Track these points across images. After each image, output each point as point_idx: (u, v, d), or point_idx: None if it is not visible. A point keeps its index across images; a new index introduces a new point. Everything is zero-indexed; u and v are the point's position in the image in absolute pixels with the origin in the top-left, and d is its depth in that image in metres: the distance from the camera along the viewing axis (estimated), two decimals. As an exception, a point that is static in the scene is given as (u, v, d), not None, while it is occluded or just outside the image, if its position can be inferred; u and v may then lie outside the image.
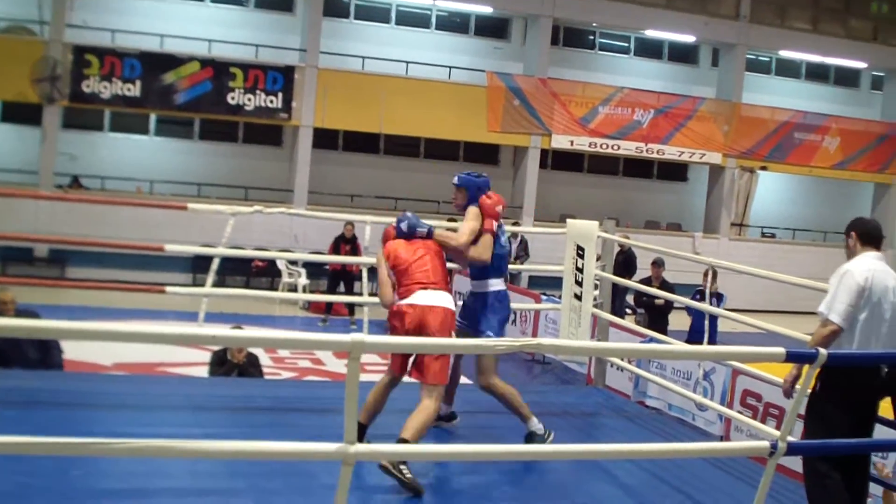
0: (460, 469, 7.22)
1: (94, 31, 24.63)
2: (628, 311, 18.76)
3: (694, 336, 14.81)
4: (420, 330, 6.88)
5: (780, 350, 5.13)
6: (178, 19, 25.97)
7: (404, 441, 6.41)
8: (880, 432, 7.99)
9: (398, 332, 7.01)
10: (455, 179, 7.98)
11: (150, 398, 8.56)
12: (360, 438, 6.64)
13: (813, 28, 31.78)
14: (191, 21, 26.11)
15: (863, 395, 6.23)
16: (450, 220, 22.19)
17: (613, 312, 17.72)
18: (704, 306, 10.09)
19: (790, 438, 5.59)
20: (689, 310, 15.34)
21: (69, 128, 25.48)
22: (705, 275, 15.24)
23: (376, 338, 5.12)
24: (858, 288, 6.14)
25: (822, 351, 5.14)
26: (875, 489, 8.64)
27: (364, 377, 13.03)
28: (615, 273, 17.81)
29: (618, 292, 18.55)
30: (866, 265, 6.33)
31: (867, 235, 6.61)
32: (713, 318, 14.21)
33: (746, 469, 7.52)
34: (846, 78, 34.45)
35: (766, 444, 5.32)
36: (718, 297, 15.16)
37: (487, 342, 4.98)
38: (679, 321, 16.88)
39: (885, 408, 11.52)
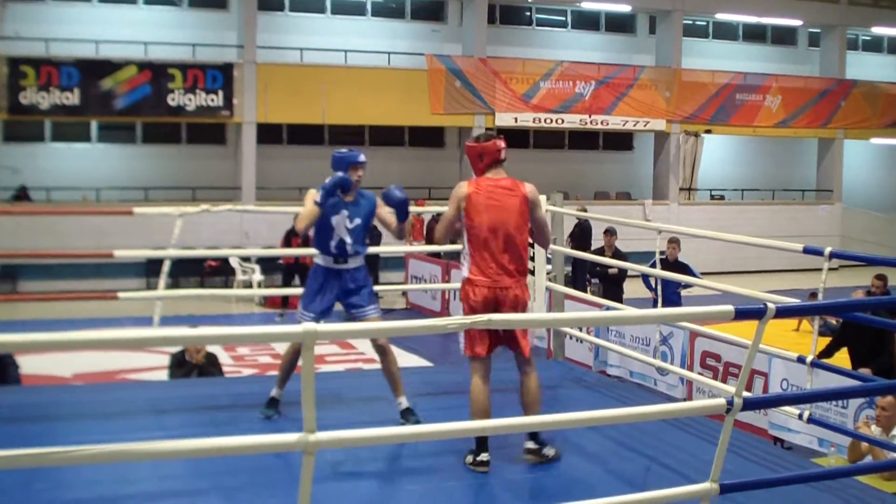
0: (425, 449, 7.26)
1: (29, 41, 24.38)
2: (590, 281, 18.83)
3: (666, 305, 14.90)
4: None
5: (729, 308, 5.18)
6: (112, 24, 25.77)
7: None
8: (835, 381, 8.12)
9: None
10: (363, 157, 8.11)
11: (110, 405, 8.51)
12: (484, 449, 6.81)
13: (747, -11, 32.02)
14: (125, 25, 25.91)
15: None
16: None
17: (575, 285, 17.85)
18: (655, 271, 10.14)
19: (746, 394, 5.65)
20: (645, 280, 15.43)
21: (9, 141, 25.33)
22: (669, 243, 15.45)
23: (328, 326, 5.13)
24: None
25: (770, 305, 5.19)
26: (843, 440, 8.79)
27: (325, 368, 13.05)
28: (573, 245, 17.94)
29: (578, 264, 18.64)
30: None
31: None
32: (671, 286, 14.37)
33: (707, 428, 7.59)
34: (783, 36, 34.74)
35: (722, 401, 5.36)
36: (684, 268, 15.12)
37: (438, 322, 4.98)
38: (635, 289, 16.97)
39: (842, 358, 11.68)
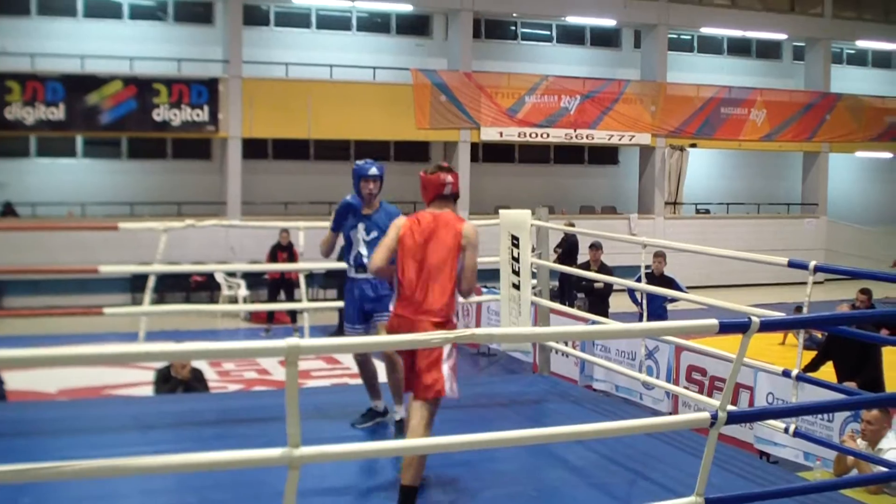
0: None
1: (13, 56, 24.35)
2: (576, 296, 18.84)
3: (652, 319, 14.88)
4: None
5: (714, 322, 5.20)
6: (98, 39, 25.76)
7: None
8: (821, 394, 8.13)
9: None
10: (374, 170, 8.14)
11: (96, 421, 8.50)
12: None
13: (731, 3, 32.19)
14: (111, 40, 25.91)
15: None
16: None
17: (563, 299, 17.87)
18: (640, 286, 10.15)
19: (731, 408, 5.66)
20: (631, 294, 15.43)
21: (-6, 156, 25.26)
22: (655, 257, 15.45)
23: (312, 341, 5.12)
24: None
25: (755, 319, 5.21)
26: (829, 453, 8.79)
27: (312, 383, 13.01)
28: (559, 261, 17.94)
29: (565, 279, 18.64)
30: None
31: None
32: (657, 300, 14.37)
33: (692, 441, 7.60)
34: (768, 50, 34.90)
35: (706, 414, 5.38)
36: (670, 283, 15.08)
37: (422, 337, 4.99)
38: (620, 303, 16.99)
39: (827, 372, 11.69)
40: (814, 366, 11.95)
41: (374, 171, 8.13)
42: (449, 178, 6.90)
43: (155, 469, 4.71)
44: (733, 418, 5.62)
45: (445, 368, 6.39)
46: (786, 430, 7.75)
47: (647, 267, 12.08)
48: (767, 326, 5.35)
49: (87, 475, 4.44)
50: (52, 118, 23.92)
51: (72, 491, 6.37)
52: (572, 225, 18.74)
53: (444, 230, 6.67)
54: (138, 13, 26.94)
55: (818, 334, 14.49)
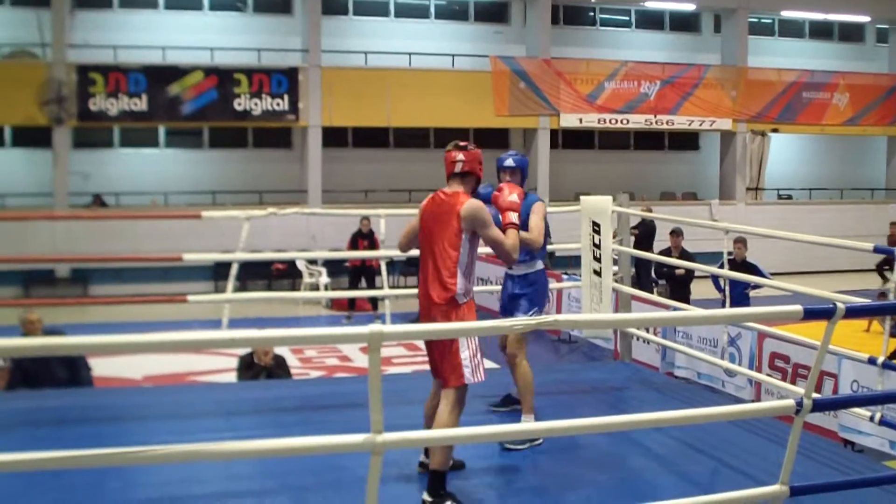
0: (494, 449, 7.27)
1: (97, 48, 24.69)
2: (657, 282, 18.71)
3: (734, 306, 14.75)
4: None
5: (798, 308, 5.13)
6: (178, 30, 26.05)
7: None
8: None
9: None
10: (509, 161, 7.98)
11: (180, 407, 8.61)
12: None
13: (813, -15, 31.72)
14: (192, 31, 26.19)
15: None
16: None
17: (641, 286, 17.78)
18: (723, 272, 10.06)
19: (816, 395, 5.60)
20: (714, 280, 15.30)
21: (80, 147, 25.65)
22: (735, 243, 15.27)
23: (394, 327, 5.15)
24: None
25: (840, 305, 5.14)
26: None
27: (393, 370, 13.11)
28: (636, 246, 17.85)
29: (641, 265, 18.54)
30: None
31: None
32: (739, 287, 14.23)
33: (776, 430, 7.52)
34: (851, 33, 34.32)
35: (791, 402, 5.32)
36: (752, 269, 14.95)
37: (505, 322, 4.98)
38: (702, 290, 16.87)
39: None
40: (900, 353, 11.79)
41: (508, 161, 7.98)
42: (460, 155, 6.73)
43: (238, 454, 4.75)
44: (819, 406, 5.55)
45: (465, 356, 6.35)
46: (871, 419, 7.64)
47: (729, 253, 11.95)
48: (853, 313, 5.28)
49: (171, 460, 4.50)
50: (134, 109, 24.21)
51: (157, 475, 6.48)
52: (650, 211, 18.62)
53: (447, 212, 6.54)
54: (218, 4, 27.18)
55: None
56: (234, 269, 10.06)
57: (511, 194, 6.95)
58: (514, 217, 6.82)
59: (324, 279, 23.27)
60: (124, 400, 9.26)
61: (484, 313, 7.07)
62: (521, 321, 4.99)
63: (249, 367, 11.05)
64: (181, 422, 8.08)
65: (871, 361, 7.74)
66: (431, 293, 6.53)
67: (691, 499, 5.54)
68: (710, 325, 12.04)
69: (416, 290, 6.85)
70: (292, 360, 13.24)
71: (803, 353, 10.87)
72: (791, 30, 33.47)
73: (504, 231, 6.68)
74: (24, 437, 7.44)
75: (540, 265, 8.11)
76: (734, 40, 30.38)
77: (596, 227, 9.96)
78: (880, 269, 22.27)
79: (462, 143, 6.88)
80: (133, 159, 26.66)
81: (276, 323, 17.26)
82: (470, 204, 6.54)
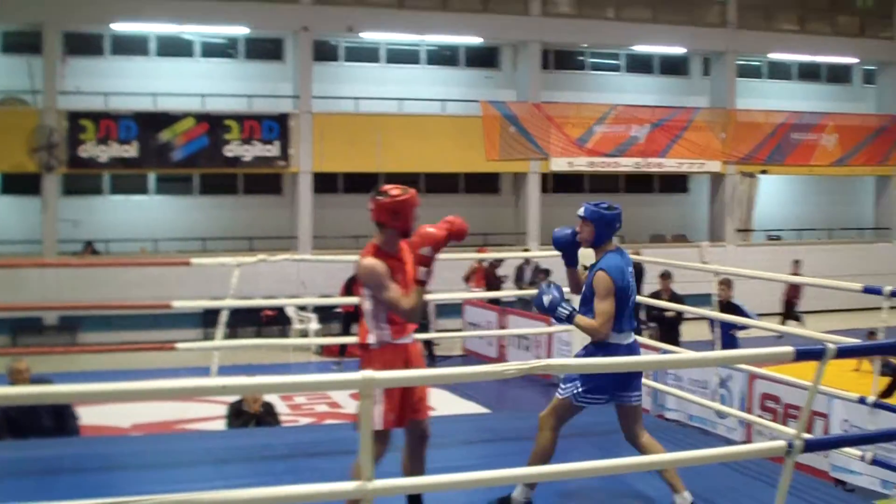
0: (485, 494, 7.21)
1: (88, 95, 24.73)
2: (647, 324, 18.69)
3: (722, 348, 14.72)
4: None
5: (789, 349, 5.14)
6: (170, 77, 26.12)
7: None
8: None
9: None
10: (581, 211, 7.23)
11: (170, 455, 8.56)
12: None
13: (800, 28, 31.91)
14: (183, 77, 26.26)
15: None
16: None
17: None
18: (713, 314, 10.06)
19: (807, 435, 5.59)
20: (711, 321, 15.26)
21: (69, 194, 25.63)
22: (720, 284, 15.25)
23: (386, 374, 5.13)
24: None
25: (830, 346, 5.14)
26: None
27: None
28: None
29: (633, 308, 18.45)
30: None
31: None
32: (727, 329, 14.21)
33: (767, 471, 7.50)
34: (838, 74, 34.52)
35: (782, 443, 5.31)
36: (737, 310, 14.90)
37: (496, 368, 4.94)
38: (691, 332, 16.85)
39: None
40: (889, 392, 11.79)
41: (580, 211, 7.27)
42: (370, 204, 6.42)
43: None
44: (810, 446, 5.55)
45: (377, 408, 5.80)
46: (862, 458, 7.63)
47: (715, 295, 11.95)
48: (844, 353, 5.29)
49: (162, 509, 4.47)
50: (125, 155, 24.26)
51: (146, 525, 6.41)
52: (638, 253, 18.61)
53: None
54: (210, 51, 27.26)
55: (893, 360, 14.27)
56: (223, 316, 10.03)
57: (435, 232, 6.36)
58: (422, 273, 6.31)
59: (314, 325, 23.18)
60: (112, 449, 9.19)
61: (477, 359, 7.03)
62: (512, 365, 4.96)
63: (239, 415, 11.00)
64: (171, 471, 8.03)
65: (862, 401, 7.74)
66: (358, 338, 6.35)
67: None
68: (702, 367, 12.02)
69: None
70: (281, 407, 13.16)
71: (794, 393, 10.85)
72: (779, 72, 33.64)
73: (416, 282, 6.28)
74: (10, 487, 7.37)
75: (622, 338, 7.34)
76: (723, 83, 30.54)
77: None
78: None
79: (382, 189, 6.43)
80: (123, 206, 26.64)
81: (265, 370, 17.20)
82: (363, 263, 6.35)
